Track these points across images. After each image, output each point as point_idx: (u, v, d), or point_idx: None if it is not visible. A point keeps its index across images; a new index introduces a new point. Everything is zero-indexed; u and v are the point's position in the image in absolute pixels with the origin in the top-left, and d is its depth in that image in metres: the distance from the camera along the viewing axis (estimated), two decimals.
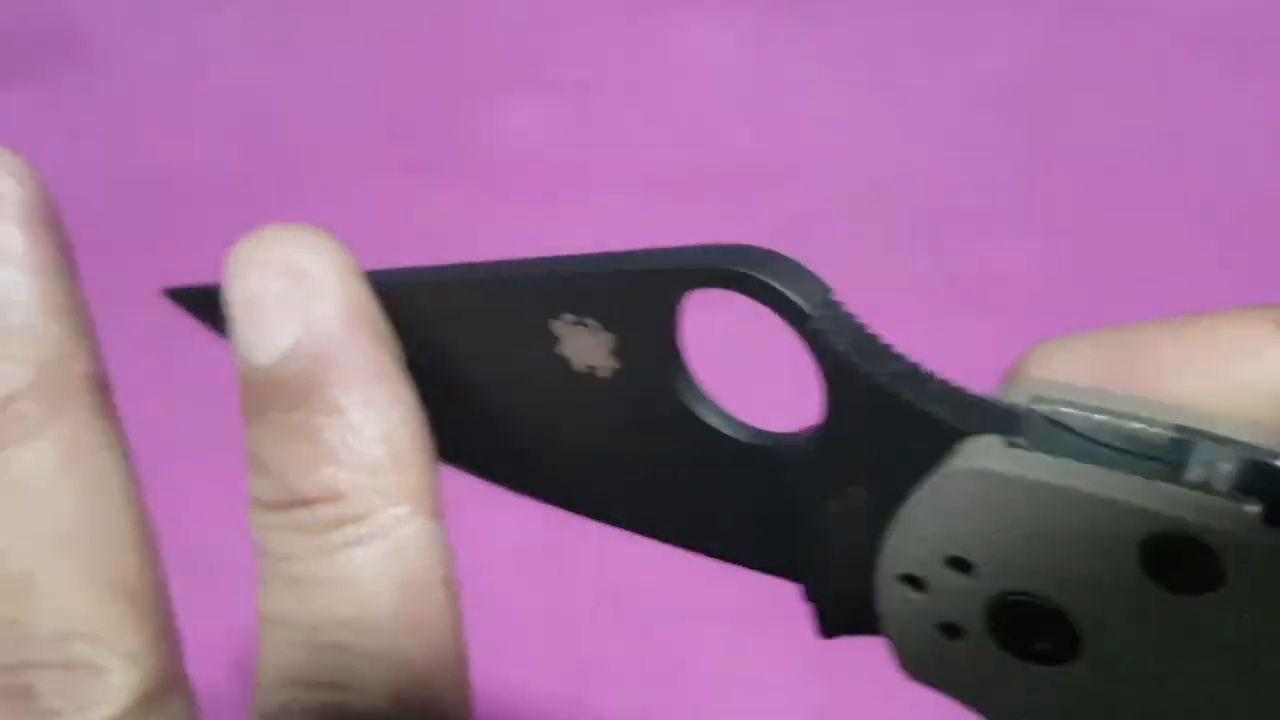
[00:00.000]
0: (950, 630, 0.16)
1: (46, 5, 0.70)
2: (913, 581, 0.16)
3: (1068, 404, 0.16)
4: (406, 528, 0.19)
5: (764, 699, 0.47)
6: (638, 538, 0.20)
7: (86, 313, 0.20)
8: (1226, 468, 0.14)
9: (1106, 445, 0.15)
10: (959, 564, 0.16)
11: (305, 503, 0.19)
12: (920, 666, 0.17)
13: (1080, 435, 0.15)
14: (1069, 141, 0.63)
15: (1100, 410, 0.15)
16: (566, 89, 0.66)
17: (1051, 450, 0.15)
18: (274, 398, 0.19)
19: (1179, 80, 0.65)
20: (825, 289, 0.17)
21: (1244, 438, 0.15)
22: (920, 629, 0.17)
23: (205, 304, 0.23)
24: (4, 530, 0.19)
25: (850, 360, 0.16)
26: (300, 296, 0.19)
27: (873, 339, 0.17)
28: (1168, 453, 0.15)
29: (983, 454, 0.15)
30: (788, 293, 0.17)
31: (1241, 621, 0.14)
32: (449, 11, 0.70)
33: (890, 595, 0.17)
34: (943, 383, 0.16)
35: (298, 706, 0.19)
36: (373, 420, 0.19)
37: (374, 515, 0.19)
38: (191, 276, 0.26)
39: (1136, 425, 0.15)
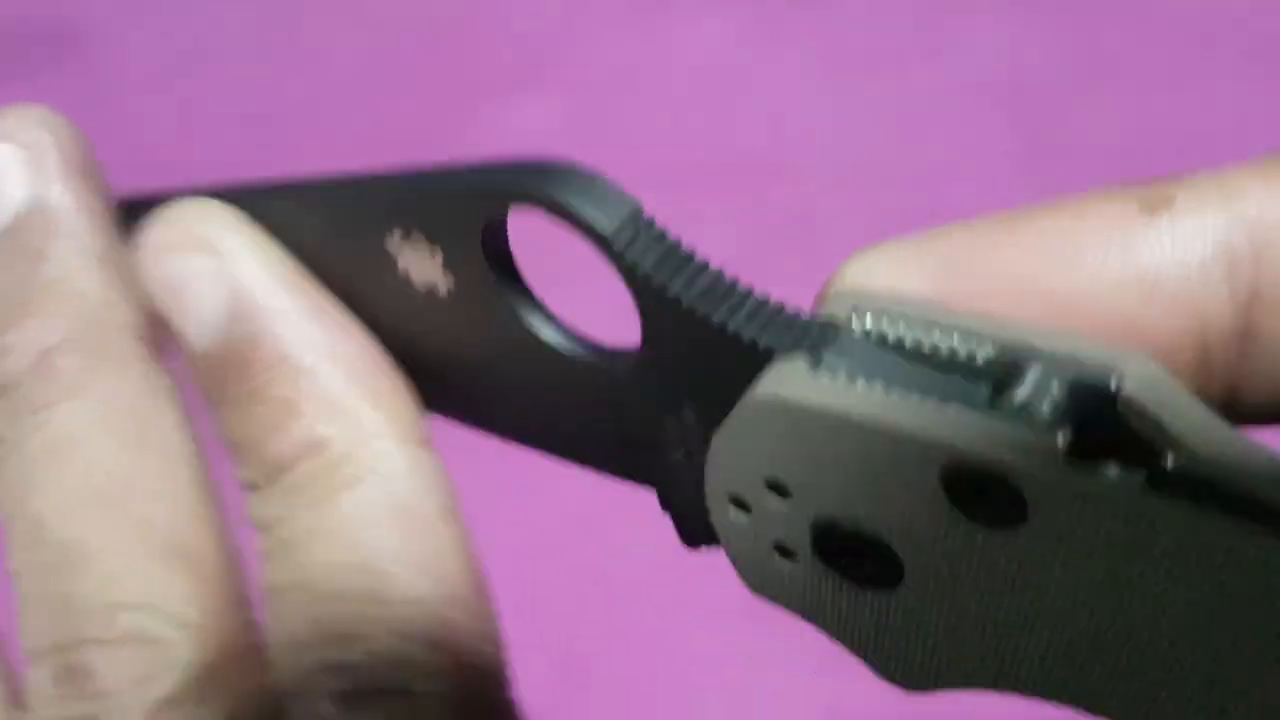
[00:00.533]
0: (782, 550, 0.16)
1: (45, 3, 0.70)
2: (739, 503, 0.16)
3: (889, 316, 0.15)
4: (394, 460, 0.18)
5: (770, 699, 0.47)
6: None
7: (128, 263, 0.19)
8: (1051, 393, 0.13)
9: (929, 363, 0.14)
10: (777, 488, 0.15)
11: (289, 466, 0.18)
12: (758, 583, 0.17)
13: (901, 352, 0.15)
14: (1071, 138, 0.63)
15: (925, 324, 0.15)
16: (566, 87, 0.66)
17: (862, 373, 0.14)
18: (226, 374, 0.19)
19: (1181, 78, 0.65)
20: (632, 206, 0.16)
21: (1084, 354, 0.14)
22: (754, 547, 0.16)
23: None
24: (45, 494, 0.18)
25: (656, 281, 0.16)
26: (215, 267, 0.19)
27: (683, 257, 0.16)
28: (995, 374, 0.14)
29: (786, 381, 0.14)
30: (586, 215, 0.16)
31: (1046, 559, 0.14)
32: (449, 11, 0.70)
33: (722, 514, 0.16)
34: (757, 300, 0.16)
35: (314, 669, 0.17)
36: (327, 360, 0.18)
37: (357, 454, 0.18)
38: None
39: (962, 342, 0.14)
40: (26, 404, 0.18)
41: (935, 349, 0.14)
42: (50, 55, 0.68)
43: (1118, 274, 0.15)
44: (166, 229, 0.19)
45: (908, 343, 0.15)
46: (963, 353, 0.14)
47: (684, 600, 0.47)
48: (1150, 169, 0.63)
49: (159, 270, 0.19)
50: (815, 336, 0.15)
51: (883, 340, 0.15)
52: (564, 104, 0.66)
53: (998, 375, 0.14)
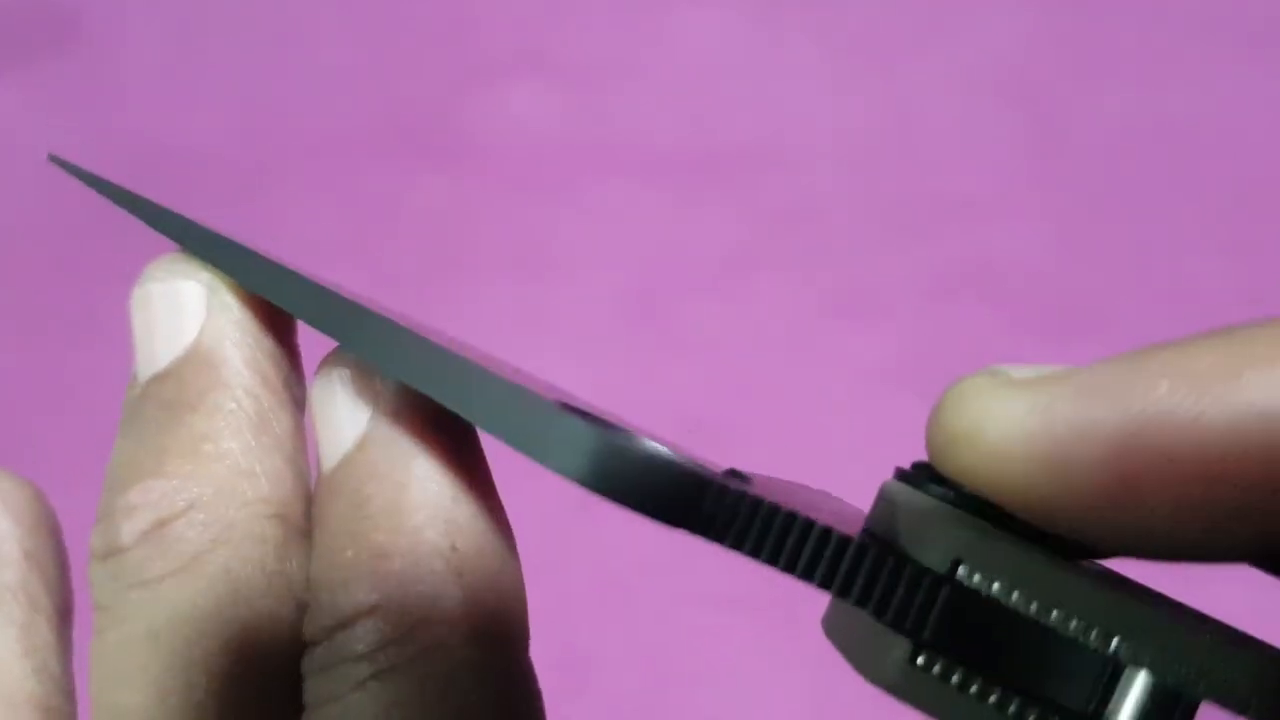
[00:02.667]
0: None
1: None
2: None
3: (997, 575, 0.13)
4: (464, 669, 0.16)
5: (762, 692, 0.47)
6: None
7: (290, 430, 0.18)
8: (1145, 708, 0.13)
9: (1035, 641, 0.13)
10: None
11: (347, 624, 0.16)
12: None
13: (1005, 624, 0.13)
14: (1072, 128, 0.63)
15: (1037, 592, 0.13)
16: (564, 74, 0.66)
17: (964, 666, 0.13)
18: (336, 501, 0.17)
19: (1183, 66, 0.65)
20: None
21: (1198, 657, 0.13)
22: None
23: (96, 184, 0.21)
24: (133, 688, 0.16)
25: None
26: (362, 384, 0.17)
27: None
28: (1105, 670, 0.13)
29: (885, 667, 0.14)
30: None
31: None
32: None
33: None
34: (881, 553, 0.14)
35: None
36: (440, 524, 0.16)
37: (422, 637, 0.16)
38: None
39: (1077, 628, 0.13)
40: (134, 574, 0.17)
41: (1048, 634, 0.13)
42: (50, 43, 0.68)
43: None
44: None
45: (1019, 613, 0.13)
46: (1080, 640, 0.13)
47: (677, 593, 0.48)
48: (1154, 157, 0.63)
49: (317, 379, 0.17)
50: (920, 604, 0.13)
51: (991, 607, 0.13)
52: (562, 90, 0.65)
53: (1109, 673, 0.13)
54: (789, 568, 0.13)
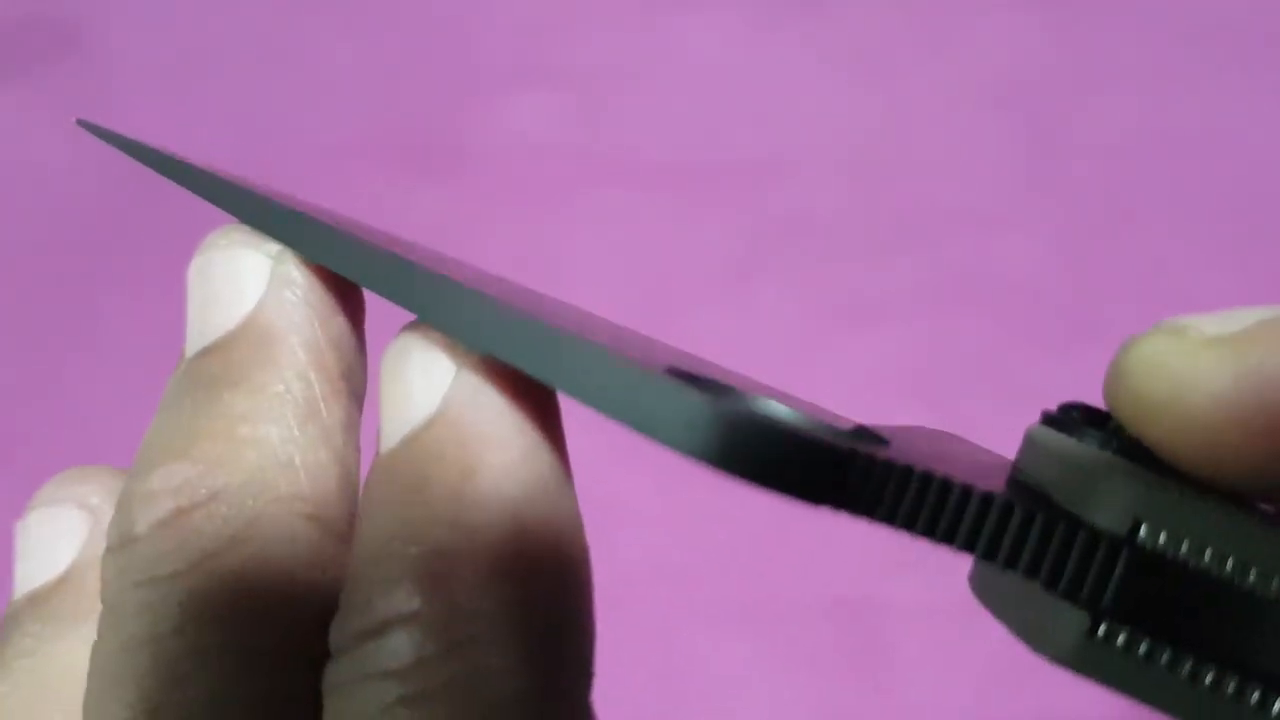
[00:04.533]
0: None
1: (45, 3, 0.70)
2: None
3: (1185, 534, 0.12)
4: (509, 689, 0.14)
5: (760, 698, 0.47)
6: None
7: (342, 422, 0.16)
8: None
9: (1224, 600, 0.12)
10: None
11: (378, 632, 0.13)
12: None
13: (1192, 588, 0.12)
14: (1072, 138, 0.63)
15: (1222, 558, 0.12)
16: (567, 85, 0.66)
17: (1150, 637, 0.12)
18: (392, 484, 0.14)
19: (1180, 77, 0.65)
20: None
21: None
22: None
23: (126, 147, 0.19)
24: (123, 702, 0.14)
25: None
26: (446, 366, 0.15)
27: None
28: None
29: (1060, 639, 0.12)
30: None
31: None
32: (450, 7, 0.70)
33: None
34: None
35: None
36: (506, 522, 0.14)
37: (471, 662, 0.13)
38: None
39: (1266, 593, 0.12)
40: (142, 569, 0.14)
41: (1244, 596, 0.12)
42: (50, 54, 0.68)
43: None
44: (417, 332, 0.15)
45: (1211, 575, 0.12)
46: (1256, 598, 0.12)
47: (676, 603, 0.48)
48: (1151, 166, 0.63)
49: (390, 349, 0.15)
50: (1097, 572, 0.12)
51: (1179, 570, 0.12)
52: (562, 101, 0.66)
53: None
54: (947, 538, 0.12)
